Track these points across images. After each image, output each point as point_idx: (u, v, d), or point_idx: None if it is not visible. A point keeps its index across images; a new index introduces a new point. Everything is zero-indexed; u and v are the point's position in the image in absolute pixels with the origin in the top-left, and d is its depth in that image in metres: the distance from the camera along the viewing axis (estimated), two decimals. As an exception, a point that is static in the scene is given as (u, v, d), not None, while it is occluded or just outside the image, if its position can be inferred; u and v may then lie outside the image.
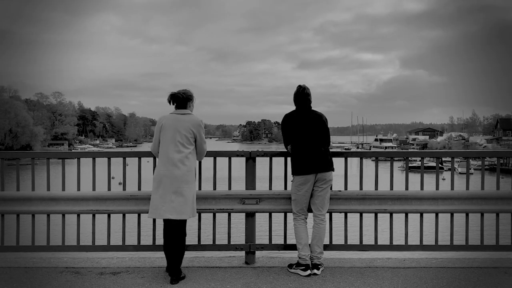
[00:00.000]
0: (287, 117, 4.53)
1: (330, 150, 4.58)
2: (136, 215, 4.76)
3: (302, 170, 4.40)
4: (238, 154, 4.80)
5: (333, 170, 4.50)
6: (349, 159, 4.82)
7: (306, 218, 4.54)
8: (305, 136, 4.42)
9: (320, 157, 4.41)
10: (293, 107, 4.57)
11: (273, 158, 4.83)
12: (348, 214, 4.78)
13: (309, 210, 4.56)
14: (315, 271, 4.33)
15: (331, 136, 4.65)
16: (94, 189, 4.78)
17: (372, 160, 4.96)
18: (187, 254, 5.11)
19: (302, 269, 4.33)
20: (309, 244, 4.45)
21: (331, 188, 4.62)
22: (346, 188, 4.81)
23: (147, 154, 4.81)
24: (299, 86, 4.53)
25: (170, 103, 4.24)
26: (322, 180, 4.43)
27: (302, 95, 4.49)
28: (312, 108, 4.54)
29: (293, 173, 4.48)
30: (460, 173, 36.79)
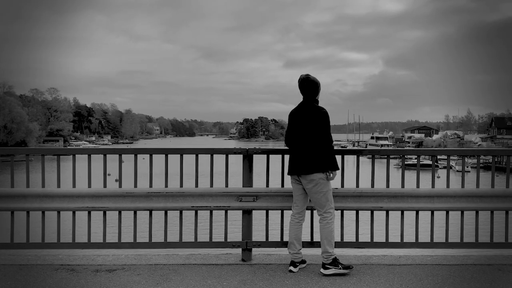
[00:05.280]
0: (290, 112, 4.39)
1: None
2: (132, 212, 4.75)
3: (288, 170, 4.39)
4: (235, 151, 4.79)
5: (318, 171, 4.17)
6: (345, 156, 4.82)
7: (301, 219, 4.41)
8: (296, 134, 4.29)
9: (302, 158, 4.19)
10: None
11: (270, 156, 4.82)
12: (344, 211, 4.79)
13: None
14: (322, 270, 4.25)
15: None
16: (89, 186, 4.76)
17: (368, 158, 4.96)
18: (183, 251, 5.10)
19: (291, 265, 4.35)
20: (296, 242, 4.36)
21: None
22: (342, 185, 4.82)
23: (143, 151, 4.79)
24: (300, 76, 4.30)
25: None
26: (305, 181, 4.25)
27: (300, 86, 4.29)
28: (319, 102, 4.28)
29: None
30: (457, 171, 36.88)
